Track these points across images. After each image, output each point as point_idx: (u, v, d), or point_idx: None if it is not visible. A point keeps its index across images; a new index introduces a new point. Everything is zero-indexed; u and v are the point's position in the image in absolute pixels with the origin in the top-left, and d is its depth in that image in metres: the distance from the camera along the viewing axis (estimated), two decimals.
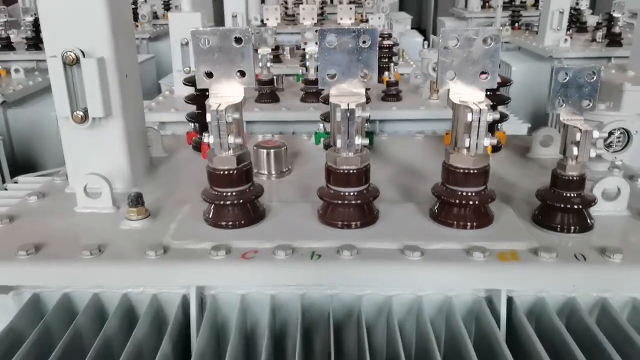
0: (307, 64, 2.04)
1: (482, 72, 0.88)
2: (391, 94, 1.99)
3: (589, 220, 0.91)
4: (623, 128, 1.02)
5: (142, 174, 1.15)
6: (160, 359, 0.76)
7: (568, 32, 3.39)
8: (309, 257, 0.84)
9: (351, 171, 0.89)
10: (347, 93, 0.89)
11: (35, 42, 3.39)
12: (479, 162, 0.88)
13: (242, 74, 0.90)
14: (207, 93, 1.36)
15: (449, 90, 0.89)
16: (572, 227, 0.90)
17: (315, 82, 2.06)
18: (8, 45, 3.39)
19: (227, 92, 0.91)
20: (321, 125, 1.38)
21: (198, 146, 1.33)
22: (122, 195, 1.03)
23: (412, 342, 0.90)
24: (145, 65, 3.55)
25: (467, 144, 0.86)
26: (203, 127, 1.33)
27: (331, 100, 0.88)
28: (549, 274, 0.81)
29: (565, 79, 0.87)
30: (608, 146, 1.02)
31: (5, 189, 1.22)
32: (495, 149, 1.32)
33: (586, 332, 0.80)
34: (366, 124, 1.29)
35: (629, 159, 1.11)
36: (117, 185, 1.08)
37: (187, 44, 2.14)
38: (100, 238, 0.90)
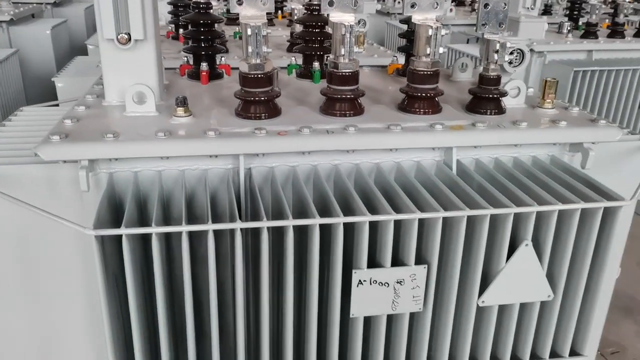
0: None
1: (435, 5, 1.27)
2: None
3: (503, 107, 1.35)
4: (519, 49, 1.48)
5: (163, 92, 1.40)
6: (228, 217, 1.06)
7: (452, 3, 3.97)
8: (326, 132, 1.18)
9: (349, 73, 1.24)
10: (341, 17, 1.23)
11: None
12: (435, 66, 1.27)
13: (265, 3, 1.20)
14: (201, 29, 1.62)
15: (410, 17, 1.28)
16: (494, 111, 1.32)
17: None
18: None
19: (251, 15, 1.21)
20: (293, 58, 1.70)
21: (193, 75, 1.59)
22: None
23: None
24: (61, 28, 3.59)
25: (428, 52, 1.24)
26: (197, 58, 1.59)
27: (332, 20, 1.21)
28: (483, 135, 1.23)
29: (488, 8, 1.28)
30: (509, 63, 1.47)
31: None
32: None
33: (509, 174, 1.24)
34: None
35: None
36: None
37: None
38: (162, 129, 1.16)
